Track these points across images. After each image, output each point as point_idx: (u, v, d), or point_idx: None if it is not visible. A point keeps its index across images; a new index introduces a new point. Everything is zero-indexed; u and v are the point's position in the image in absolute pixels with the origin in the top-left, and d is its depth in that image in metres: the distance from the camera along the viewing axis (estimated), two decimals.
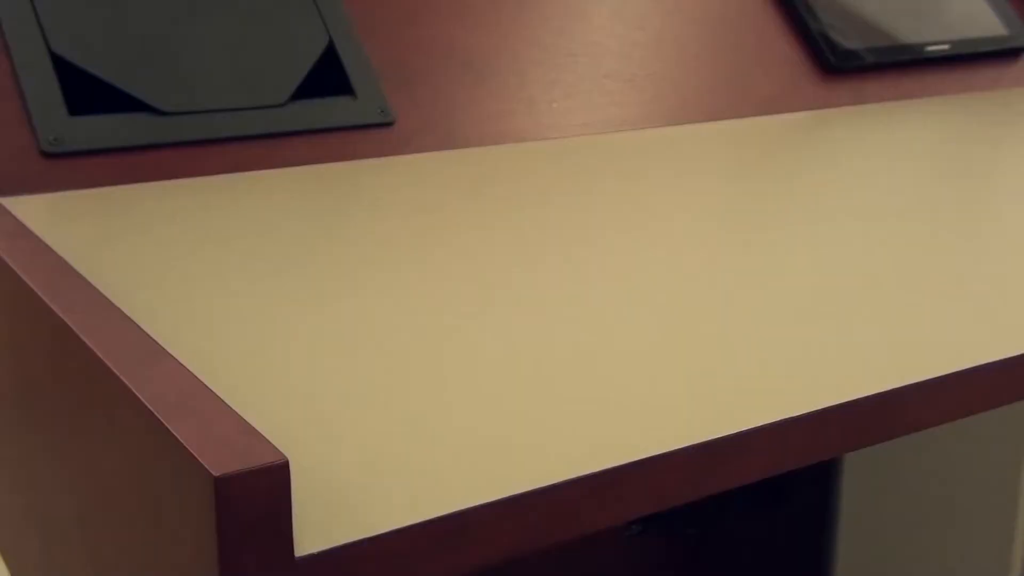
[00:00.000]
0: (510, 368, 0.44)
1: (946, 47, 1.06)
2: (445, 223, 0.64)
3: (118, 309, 0.45)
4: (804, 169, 0.77)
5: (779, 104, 0.97)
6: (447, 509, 0.35)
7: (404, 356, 0.45)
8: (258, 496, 0.32)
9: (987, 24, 1.09)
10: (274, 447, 0.33)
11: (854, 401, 0.41)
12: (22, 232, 0.59)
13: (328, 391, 0.42)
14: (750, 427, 0.39)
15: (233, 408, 0.37)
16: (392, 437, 0.39)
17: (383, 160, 0.80)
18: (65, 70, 0.75)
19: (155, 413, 0.34)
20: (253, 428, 0.34)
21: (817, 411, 0.40)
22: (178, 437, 0.33)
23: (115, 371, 0.38)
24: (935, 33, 1.06)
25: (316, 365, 0.45)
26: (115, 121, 0.74)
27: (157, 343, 0.41)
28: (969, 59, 1.08)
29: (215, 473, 0.31)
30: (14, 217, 0.64)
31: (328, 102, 0.81)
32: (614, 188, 0.72)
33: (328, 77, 0.82)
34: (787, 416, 0.40)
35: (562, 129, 0.88)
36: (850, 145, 0.85)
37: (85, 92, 0.75)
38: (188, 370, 0.38)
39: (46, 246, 0.56)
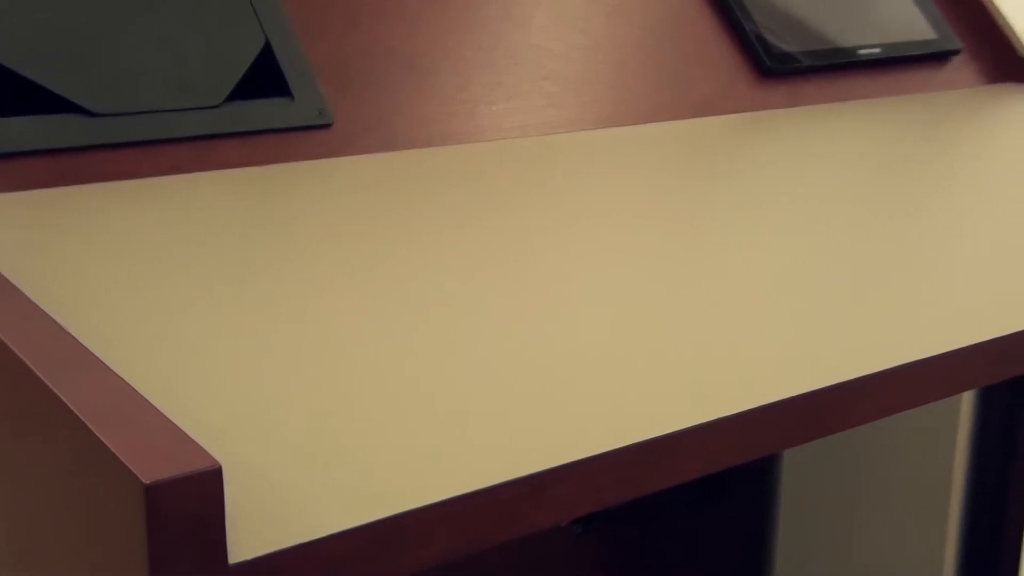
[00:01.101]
0: (447, 370, 0.44)
1: (878, 50, 1.08)
2: (385, 225, 0.64)
3: (47, 315, 0.44)
4: (739, 170, 0.78)
5: (716, 106, 0.98)
6: (384, 512, 0.34)
7: (340, 360, 0.45)
8: (190, 503, 0.31)
9: (917, 28, 1.12)
10: (206, 453, 0.32)
11: (785, 400, 0.41)
12: None
13: (264, 395, 0.42)
14: (684, 427, 0.39)
15: (164, 414, 0.36)
16: (329, 440, 0.38)
17: (322, 162, 0.80)
18: None
19: (84, 420, 0.34)
20: (185, 434, 0.33)
21: (748, 411, 0.40)
22: (108, 444, 0.32)
23: (43, 379, 0.37)
24: (867, 37, 1.08)
25: (251, 369, 0.44)
26: (44, 123, 0.73)
27: (87, 349, 0.40)
28: (900, 62, 1.11)
29: (145, 481, 0.30)
30: None
31: (265, 103, 0.80)
32: (554, 189, 0.73)
33: (265, 78, 0.81)
34: (720, 416, 0.40)
35: (502, 131, 0.88)
36: (785, 146, 0.86)
37: (13, 93, 0.74)
38: (118, 376, 0.37)
39: None
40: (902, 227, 0.64)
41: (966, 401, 1.07)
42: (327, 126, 0.82)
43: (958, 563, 1.10)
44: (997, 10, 1.17)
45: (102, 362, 0.39)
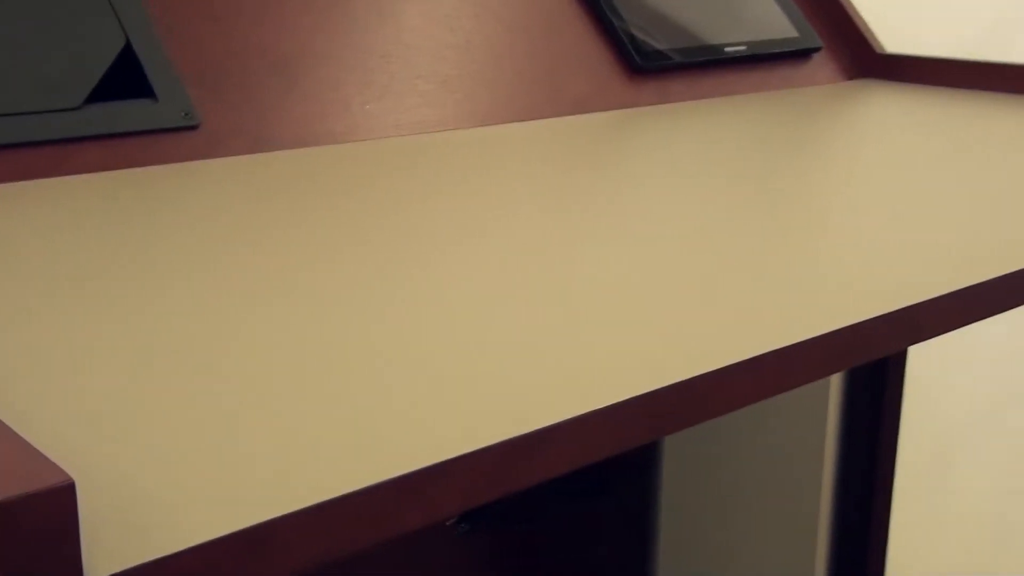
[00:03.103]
0: (311, 372, 0.44)
1: (743, 48, 1.11)
2: (252, 228, 0.63)
3: None
4: (614, 166, 0.79)
5: (589, 104, 0.99)
6: (250, 521, 0.34)
7: (198, 365, 0.44)
8: (41, 521, 0.30)
9: (780, 27, 1.15)
10: (58, 468, 0.31)
11: (655, 392, 0.42)
12: None
13: (119, 406, 0.40)
14: (555, 421, 0.40)
15: (12, 428, 0.35)
16: (190, 449, 0.37)
17: (189, 164, 0.78)
18: None
19: None
20: (34, 449, 0.32)
21: (619, 403, 0.41)
22: None
23: None
24: (733, 35, 1.11)
25: (106, 379, 0.43)
26: None
27: None
28: (764, 60, 1.14)
29: None
30: None
31: (127, 105, 0.78)
32: (427, 188, 0.72)
33: (127, 79, 0.79)
34: (591, 409, 0.41)
35: (375, 131, 0.88)
36: (657, 143, 0.88)
37: None
38: None
39: None
40: (767, 218, 0.66)
41: (834, 388, 1.11)
42: (193, 127, 0.80)
43: (830, 548, 1.14)
44: (854, 9, 1.21)
45: None
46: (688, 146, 0.86)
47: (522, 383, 0.43)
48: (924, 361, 1.71)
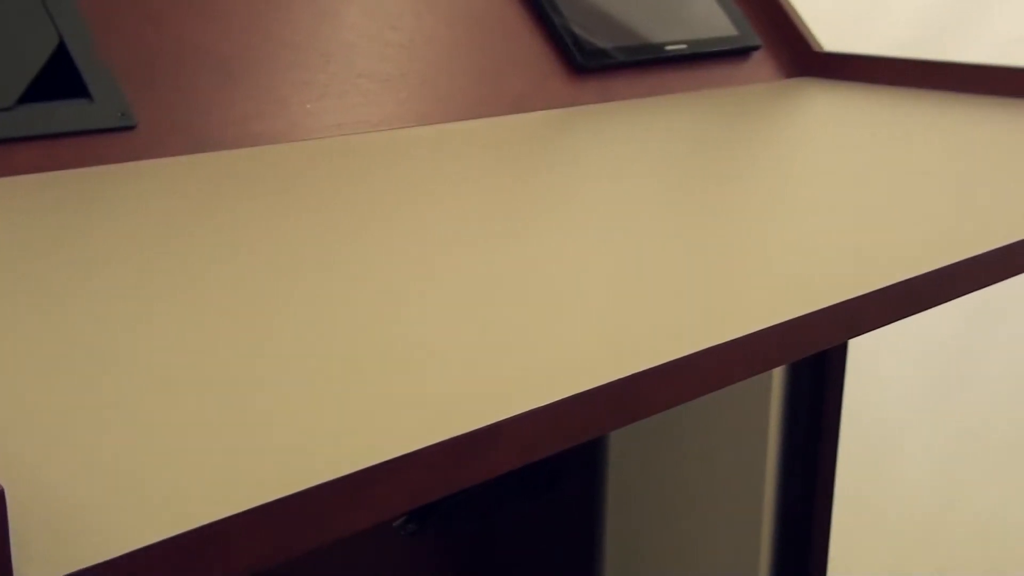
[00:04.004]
0: (249, 370, 0.43)
1: (684, 47, 1.12)
2: (186, 229, 0.62)
3: None
4: (557, 165, 0.80)
5: (530, 102, 1.00)
6: (187, 525, 0.33)
7: (134, 369, 0.43)
8: None
9: (720, 25, 1.16)
10: None
11: (597, 388, 0.42)
12: None
13: (53, 408, 0.40)
14: (498, 419, 0.40)
15: None
16: (124, 453, 0.37)
17: (126, 165, 0.77)
18: None
19: None
20: None
21: (563, 399, 0.41)
22: None
23: None
24: (674, 34, 1.12)
25: (39, 381, 0.42)
26: None
27: None
28: (704, 58, 1.15)
29: None
30: None
31: (61, 105, 0.76)
32: (368, 188, 0.72)
33: (61, 79, 0.78)
34: (532, 407, 0.41)
35: (317, 130, 0.87)
36: (599, 140, 0.88)
37: None
38: None
39: None
40: (706, 215, 0.67)
41: (776, 382, 1.12)
42: (130, 128, 0.79)
43: (773, 540, 1.16)
44: (792, 8, 1.23)
45: None
46: (628, 145, 0.87)
47: (465, 381, 0.43)
48: (864, 354, 1.74)
